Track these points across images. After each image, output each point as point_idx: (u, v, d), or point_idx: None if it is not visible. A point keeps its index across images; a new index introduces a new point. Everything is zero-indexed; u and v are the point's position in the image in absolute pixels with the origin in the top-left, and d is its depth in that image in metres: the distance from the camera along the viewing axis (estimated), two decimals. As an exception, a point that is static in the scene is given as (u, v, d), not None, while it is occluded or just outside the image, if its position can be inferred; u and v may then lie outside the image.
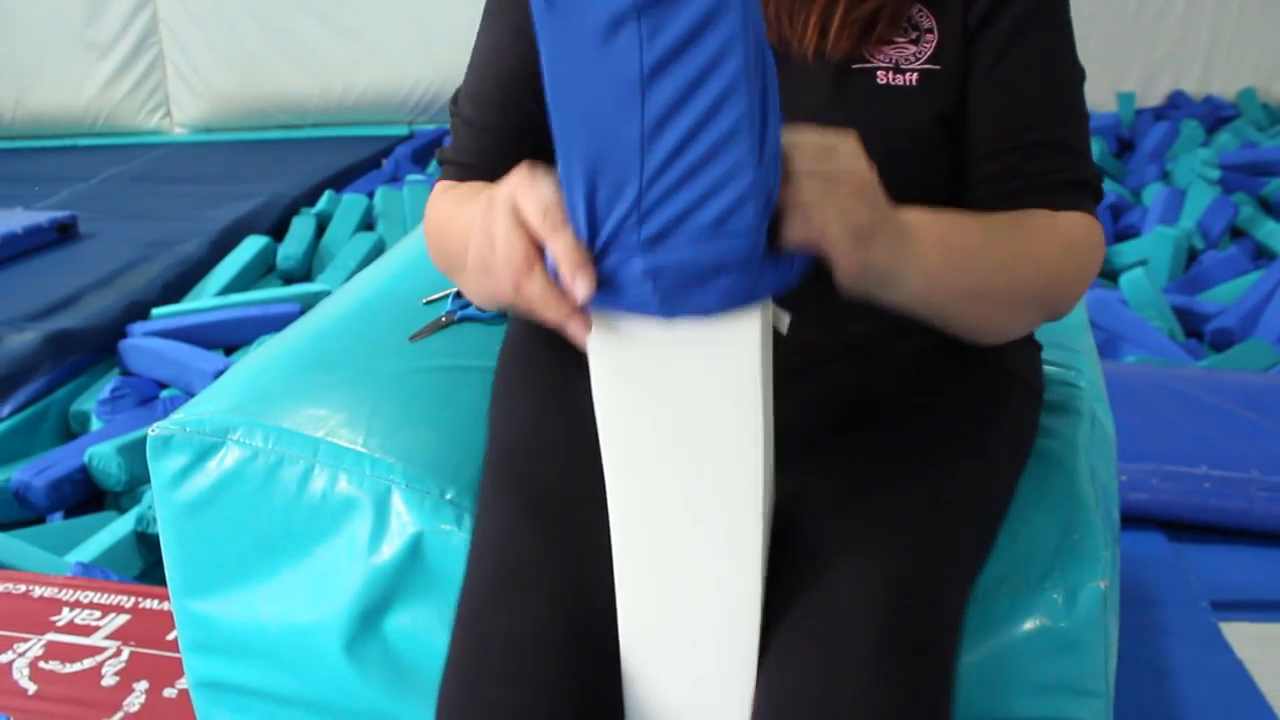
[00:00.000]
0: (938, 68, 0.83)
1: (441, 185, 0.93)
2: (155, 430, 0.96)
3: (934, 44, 0.83)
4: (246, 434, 0.94)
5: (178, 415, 0.97)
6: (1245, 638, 1.49)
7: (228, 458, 0.94)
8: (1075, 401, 0.99)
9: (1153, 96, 4.51)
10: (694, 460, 0.67)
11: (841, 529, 0.76)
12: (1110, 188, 3.48)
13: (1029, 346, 0.96)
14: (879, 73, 0.83)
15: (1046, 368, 1.00)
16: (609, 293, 0.61)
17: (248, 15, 4.43)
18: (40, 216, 3.24)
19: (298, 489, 0.93)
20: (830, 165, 0.64)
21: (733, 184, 0.57)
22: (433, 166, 4.02)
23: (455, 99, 0.94)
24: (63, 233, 3.24)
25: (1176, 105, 4.44)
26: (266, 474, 0.93)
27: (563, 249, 0.61)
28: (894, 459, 0.81)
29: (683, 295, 0.61)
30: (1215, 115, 4.30)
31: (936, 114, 0.83)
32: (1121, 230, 3.24)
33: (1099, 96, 4.36)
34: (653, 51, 0.54)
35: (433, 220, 0.90)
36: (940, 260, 0.72)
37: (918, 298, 0.73)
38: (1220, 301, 2.72)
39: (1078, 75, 0.87)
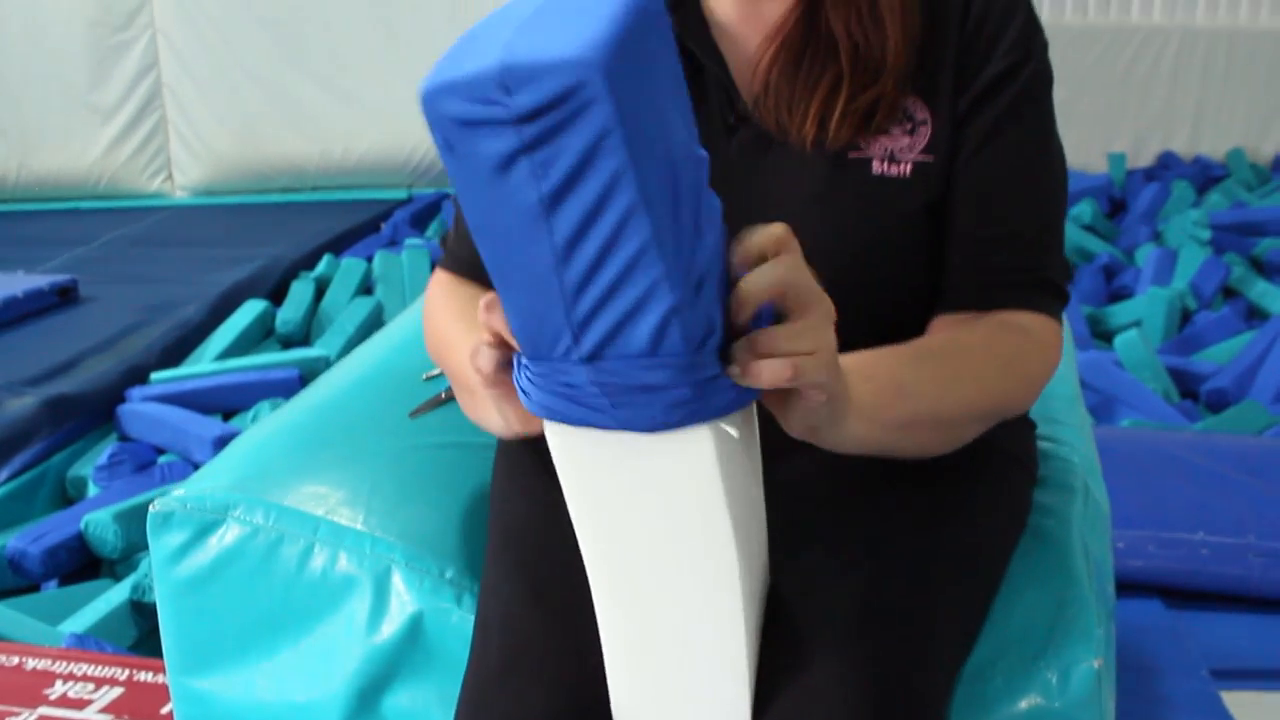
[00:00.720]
0: (930, 159, 0.85)
1: (440, 275, 0.97)
2: (156, 506, 0.96)
3: (928, 135, 0.85)
4: (247, 511, 0.94)
5: (178, 491, 0.97)
6: (1246, 706, 1.48)
7: (228, 535, 0.95)
8: (1068, 476, 1.00)
9: (1143, 157, 4.57)
10: (670, 561, 0.68)
11: (825, 611, 0.76)
12: (1103, 249, 3.52)
13: (1022, 424, 0.97)
14: (874, 162, 0.84)
15: (1039, 443, 1.01)
16: (566, 404, 0.63)
17: (249, 80, 4.50)
18: (41, 280, 3.27)
19: (298, 567, 0.93)
20: (819, 307, 0.63)
21: (653, 305, 0.58)
22: (431, 229, 4.05)
23: None
24: (63, 296, 3.26)
25: (1166, 166, 4.50)
26: (266, 551, 0.94)
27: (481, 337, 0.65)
28: (880, 539, 0.81)
29: (630, 409, 0.62)
30: (1205, 175, 4.36)
31: (926, 204, 0.85)
32: (1115, 291, 3.27)
33: (1090, 158, 4.42)
34: (548, 182, 0.55)
35: (433, 320, 0.93)
36: (872, 399, 0.72)
37: (856, 437, 0.72)
38: (1215, 362, 2.74)
39: (1056, 169, 0.88)
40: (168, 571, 0.96)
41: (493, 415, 0.76)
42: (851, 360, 0.73)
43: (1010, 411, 0.86)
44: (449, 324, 0.91)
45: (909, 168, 0.84)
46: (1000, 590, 0.87)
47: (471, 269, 0.95)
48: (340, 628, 0.92)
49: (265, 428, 1.06)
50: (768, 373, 0.61)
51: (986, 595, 0.86)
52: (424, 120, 0.57)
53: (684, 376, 0.60)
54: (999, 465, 0.91)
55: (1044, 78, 0.87)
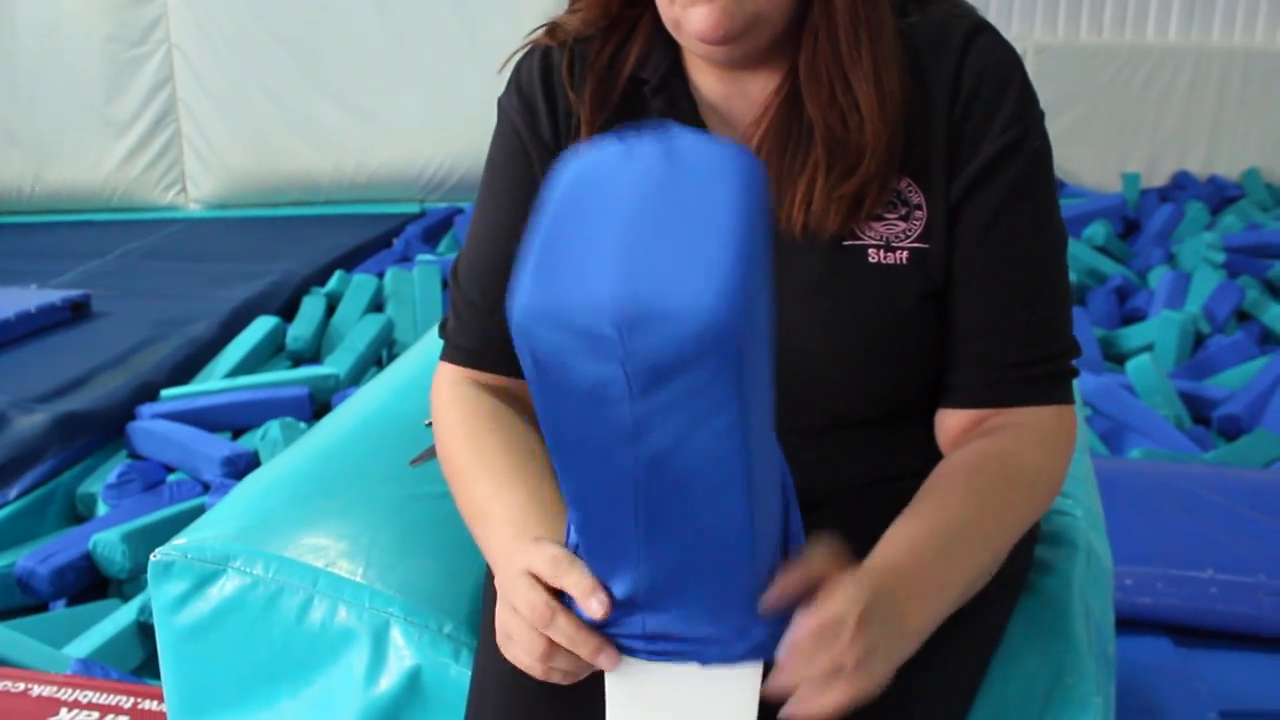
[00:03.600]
0: (926, 246, 0.83)
1: (446, 372, 0.92)
2: (157, 556, 0.97)
3: (923, 221, 0.82)
4: (247, 562, 0.95)
5: (180, 541, 0.98)
6: (1253, 749, 1.47)
7: (228, 585, 0.95)
8: (1071, 532, 0.99)
9: (1157, 177, 4.55)
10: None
11: None
12: (1115, 270, 3.51)
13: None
14: (870, 251, 0.82)
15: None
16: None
17: (263, 94, 4.52)
18: (54, 295, 3.28)
19: (297, 619, 0.93)
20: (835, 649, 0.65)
21: (730, 530, 0.57)
22: (443, 245, 4.05)
23: (455, 269, 0.93)
24: (75, 311, 3.27)
25: (1181, 186, 4.48)
26: (266, 603, 0.94)
27: (574, 581, 0.64)
28: None
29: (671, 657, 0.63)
30: (1220, 196, 4.34)
31: (924, 290, 0.83)
32: (1127, 314, 3.26)
33: (1104, 178, 4.40)
34: (645, 407, 0.52)
35: (448, 441, 0.88)
36: (922, 612, 0.72)
37: (917, 645, 0.73)
38: (1228, 387, 2.72)
39: (1059, 246, 0.86)
40: (169, 619, 0.97)
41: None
42: (893, 578, 0.71)
43: (1039, 517, 0.86)
44: (467, 459, 0.85)
45: (905, 255, 0.82)
46: (999, 653, 0.87)
47: (477, 358, 0.90)
48: (339, 680, 0.92)
49: (267, 474, 1.07)
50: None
51: (984, 656, 0.86)
52: (515, 331, 0.52)
53: (739, 617, 0.61)
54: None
55: (1043, 154, 0.84)
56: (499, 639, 0.71)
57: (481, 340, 0.90)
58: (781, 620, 0.63)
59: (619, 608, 0.62)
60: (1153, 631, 1.69)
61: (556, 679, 0.69)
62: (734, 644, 0.62)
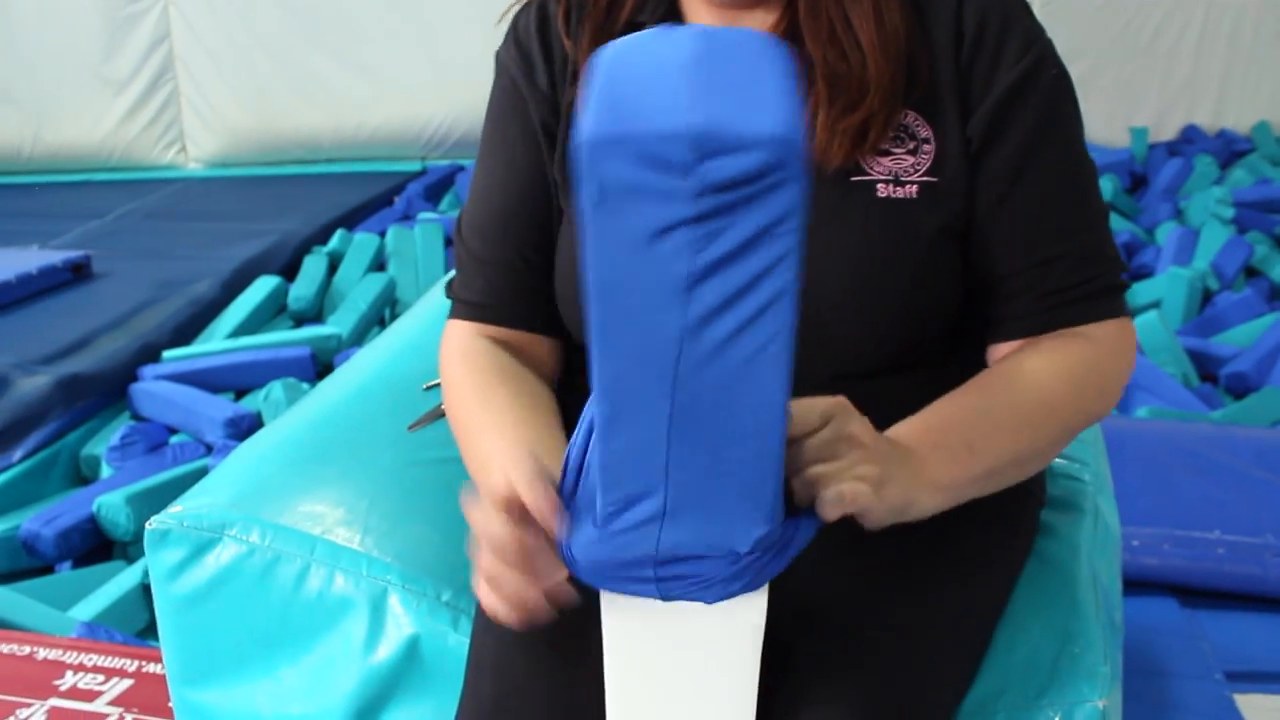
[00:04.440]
0: (936, 179, 0.81)
1: (455, 329, 0.91)
2: (153, 524, 0.96)
3: (932, 155, 0.81)
4: (243, 530, 0.94)
5: (175, 508, 0.97)
6: (1260, 710, 1.47)
7: (224, 553, 0.94)
8: (1078, 497, 0.98)
9: (1166, 131, 4.49)
10: (693, 686, 0.68)
11: (820, 650, 0.75)
12: (1123, 226, 3.47)
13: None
14: (879, 185, 0.81)
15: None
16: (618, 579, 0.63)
17: (263, 51, 4.47)
18: (54, 256, 3.27)
19: (294, 587, 0.92)
20: (838, 429, 0.67)
21: (768, 406, 0.56)
22: (444, 202, 4.02)
23: (459, 225, 0.93)
24: (76, 273, 3.26)
25: (1190, 140, 4.42)
26: (263, 571, 0.93)
27: (535, 497, 0.63)
28: (878, 572, 0.80)
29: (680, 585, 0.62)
30: (1229, 150, 4.28)
31: (940, 226, 0.82)
32: (1135, 270, 3.23)
33: (1112, 132, 4.34)
34: (705, 256, 0.52)
35: (455, 393, 0.87)
36: (946, 467, 0.73)
37: (939, 505, 0.73)
38: (1235, 344, 2.70)
39: (1091, 171, 0.85)
40: (166, 587, 0.96)
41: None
42: (918, 429, 0.73)
43: (1091, 424, 0.85)
44: (474, 413, 0.84)
45: (915, 189, 0.81)
46: (1005, 620, 0.85)
47: (485, 312, 0.90)
48: (337, 648, 0.92)
49: (264, 440, 1.06)
50: (834, 514, 0.65)
51: (989, 623, 0.84)
52: (582, 162, 0.51)
53: (766, 531, 0.60)
54: (1004, 490, 0.89)
55: (1063, 80, 0.84)
56: (474, 585, 0.70)
57: (487, 293, 0.89)
58: (795, 523, 0.63)
59: (639, 525, 0.61)
60: (1159, 592, 1.68)
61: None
62: (742, 555, 0.61)
